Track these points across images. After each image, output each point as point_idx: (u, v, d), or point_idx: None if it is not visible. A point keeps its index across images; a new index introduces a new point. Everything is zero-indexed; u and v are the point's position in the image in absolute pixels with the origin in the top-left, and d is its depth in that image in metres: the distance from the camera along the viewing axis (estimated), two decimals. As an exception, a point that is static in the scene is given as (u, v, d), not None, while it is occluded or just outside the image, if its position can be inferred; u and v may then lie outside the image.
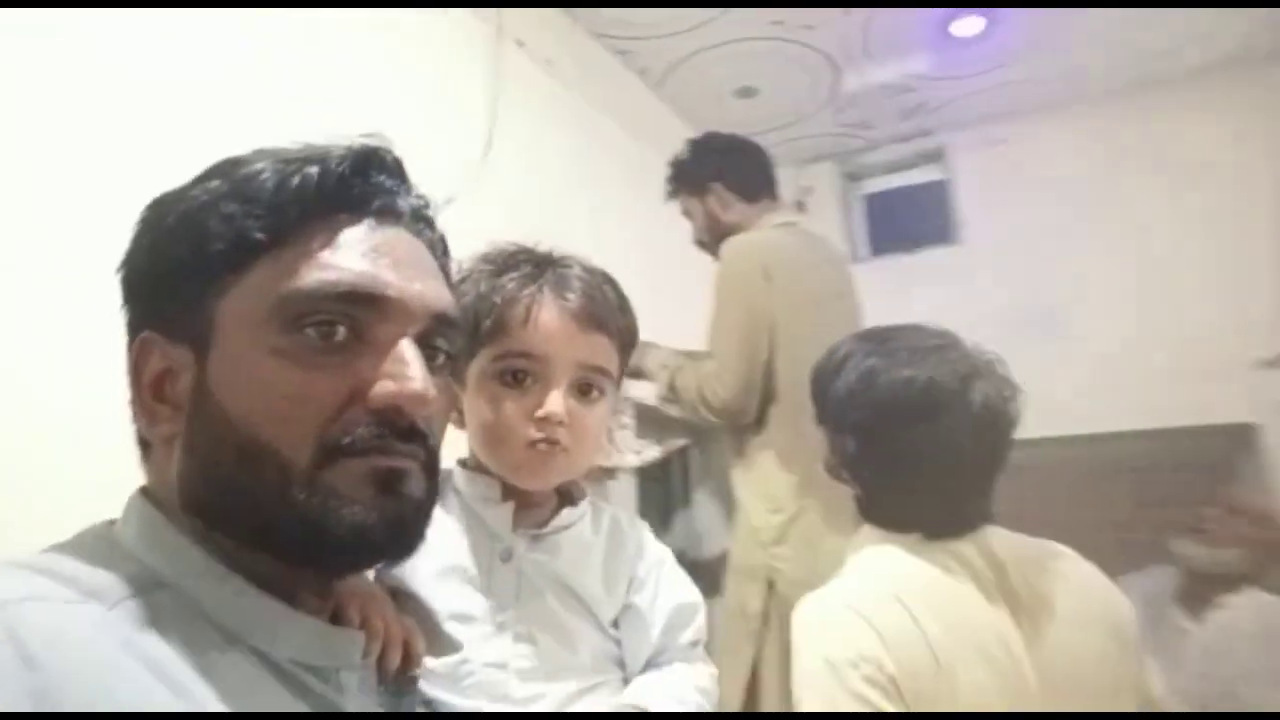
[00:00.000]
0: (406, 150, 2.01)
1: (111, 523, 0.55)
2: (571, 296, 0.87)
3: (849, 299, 2.00)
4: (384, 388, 0.52)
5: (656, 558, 0.98)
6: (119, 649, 0.44)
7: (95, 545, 0.51)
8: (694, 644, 0.95)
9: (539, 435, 0.85)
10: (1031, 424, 2.79)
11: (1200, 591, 1.85)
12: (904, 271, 3.31)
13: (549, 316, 0.85)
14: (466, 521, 0.88)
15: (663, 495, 3.19)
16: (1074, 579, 0.99)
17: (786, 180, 3.42)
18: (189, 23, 1.38)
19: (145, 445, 0.56)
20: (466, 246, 1.85)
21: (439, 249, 0.64)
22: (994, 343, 2.94)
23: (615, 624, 0.92)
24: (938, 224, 3.32)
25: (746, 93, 2.97)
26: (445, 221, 2.02)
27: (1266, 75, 2.82)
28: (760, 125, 3.00)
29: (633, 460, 2.06)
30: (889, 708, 0.84)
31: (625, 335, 0.92)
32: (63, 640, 0.43)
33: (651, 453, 2.06)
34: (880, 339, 1.04)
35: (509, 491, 0.88)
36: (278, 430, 0.51)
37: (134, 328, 0.54)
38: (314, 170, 0.53)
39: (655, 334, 2.27)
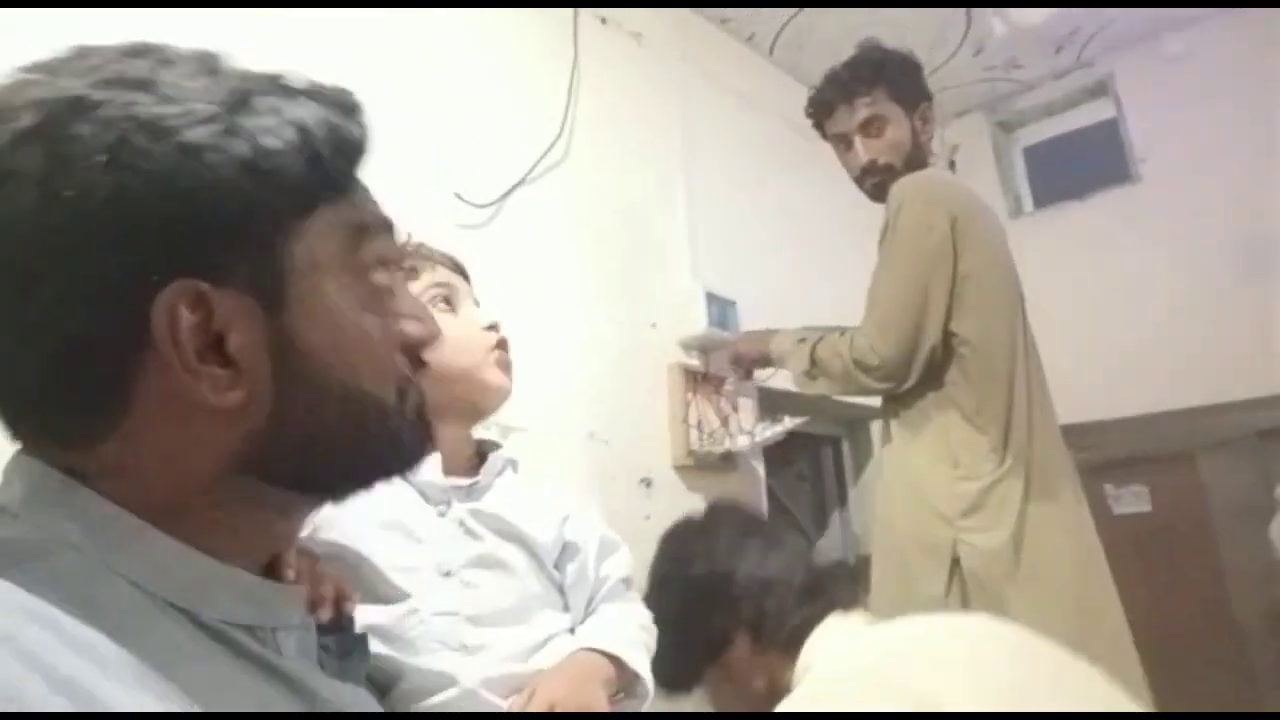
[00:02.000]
0: (489, 133, 1.92)
1: None
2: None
3: (1009, 252, 1.73)
4: (416, 329, 0.56)
5: (576, 498, 1.07)
6: (24, 619, 0.38)
7: None
8: (625, 581, 1.03)
9: (499, 337, 1.04)
10: (1257, 380, 2.39)
11: None
12: (1075, 221, 2.92)
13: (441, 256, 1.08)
14: (395, 482, 0.86)
15: (816, 495, 2.96)
16: None
17: (929, 138, 3.13)
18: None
19: (103, 411, 0.45)
20: (552, 224, 1.80)
21: None
22: (1195, 286, 2.55)
23: (557, 566, 0.97)
24: (1110, 164, 2.89)
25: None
26: (531, 201, 1.93)
27: None
28: (889, 81, 2.74)
29: (743, 443, 1.88)
30: None
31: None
32: None
33: (765, 433, 1.87)
34: None
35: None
36: (378, 378, 0.51)
37: (140, 274, 0.43)
38: (357, 125, 0.52)
39: (762, 309, 2.12)
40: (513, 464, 1.05)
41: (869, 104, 1.70)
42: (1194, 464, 2.60)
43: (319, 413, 0.48)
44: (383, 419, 0.52)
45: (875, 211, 1.72)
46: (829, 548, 2.84)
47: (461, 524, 0.91)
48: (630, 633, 0.94)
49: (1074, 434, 2.67)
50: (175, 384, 0.44)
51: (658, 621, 1.02)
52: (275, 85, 0.50)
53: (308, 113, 0.49)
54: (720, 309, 2.07)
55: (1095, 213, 2.88)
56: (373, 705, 0.60)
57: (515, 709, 0.82)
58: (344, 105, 0.52)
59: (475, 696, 0.82)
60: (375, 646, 0.73)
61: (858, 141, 1.73)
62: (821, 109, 1.81)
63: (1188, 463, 2.61)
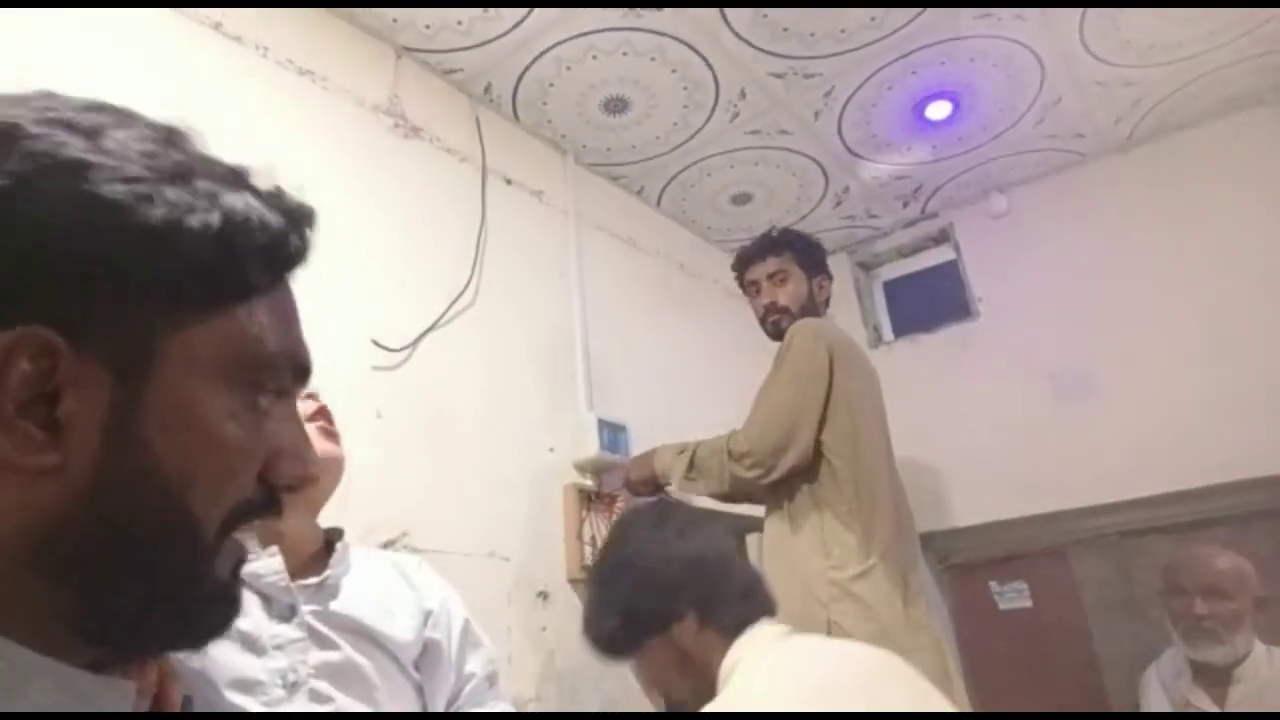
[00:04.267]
0: (404, 283, 2.14)
1: None
2: None
3: (878, 388, 2.16)
4: (291, 466, 0.50)
5: (444, 591, 1.02)
6: None
7: None
8: (489, 678, 1.00)
9: (316, 405, 0.99)
10: (1083, 491, 2.75)
11: (1217, 677, 1.79)
12: (927, 350, 3.32)
13: None
14: None
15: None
16: None
17: (801, 276, 3.55)
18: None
19: None
20: (460, 362, 2.03)
21: None
22: (1028, 411, 2.93)
23: (417, 666, 0.93)
24: (954, 302, 3.34)
25: (742, 199, 3.12)
26: (441, 342, 2.11)
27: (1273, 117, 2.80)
28: (763, 226, 3.11)
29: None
30: None
31: None
32: None
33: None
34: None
35: (267, 536, 0.87)
36: (209, 501, 0.45)
37: None
38: (299, 236, 0.50)
39: (651, 432, 2.37)
40: (366, 550, 0.98)
41: (778, 261, 2.24)
42: (1066, 560, 2.95)
43: (134, 510, 0.43)
44: (190, 553, 0.45)
45: (748, 342, 2.07)
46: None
47: (310, 629, 0.83)
48: None
49: (950, 538, 3.01)
50: None
51: (607, 601, 1.13)
52: (227, 173, 0.48)
53: (244, 205, 0.46)
54: (612, 434, 2.32)
55: (943, 342, 3.30)
56: None
57: None
58: (291, 211, 0.49)
59: None
60: None
61: (765, 286, 2.24)
62: (743, 262, 2.33)
63: (1061, 560, 2.96)
